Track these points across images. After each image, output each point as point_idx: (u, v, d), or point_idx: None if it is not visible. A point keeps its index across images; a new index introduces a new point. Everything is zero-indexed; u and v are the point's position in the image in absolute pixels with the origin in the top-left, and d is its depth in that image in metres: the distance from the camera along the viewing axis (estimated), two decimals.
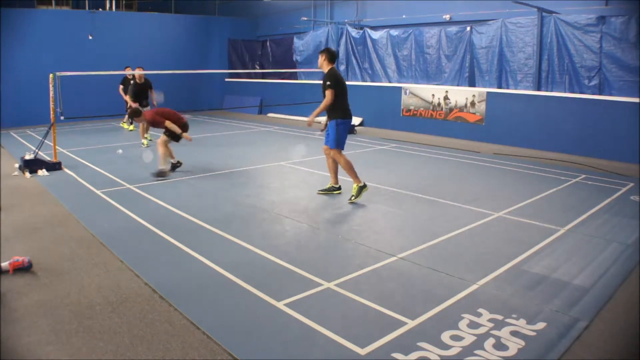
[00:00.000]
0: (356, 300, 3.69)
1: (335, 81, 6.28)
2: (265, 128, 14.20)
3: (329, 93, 6.27)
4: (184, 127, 8.06)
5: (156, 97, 10.71)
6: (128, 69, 11.71)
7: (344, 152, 6.51)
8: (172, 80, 14.93)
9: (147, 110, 8.10)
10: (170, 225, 5.43)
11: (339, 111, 6.38)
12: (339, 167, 6.61)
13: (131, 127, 12.54)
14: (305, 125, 6.52)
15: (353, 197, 6.40)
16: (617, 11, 10.01)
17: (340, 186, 6.78)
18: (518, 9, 11.36)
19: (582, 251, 4.77)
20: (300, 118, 16.01)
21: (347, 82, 16.38)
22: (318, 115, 6.46)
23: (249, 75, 19.23)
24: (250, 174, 8.11)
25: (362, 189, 6.41)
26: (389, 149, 10.70)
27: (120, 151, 9.43)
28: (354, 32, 15.30)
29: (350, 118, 6.56)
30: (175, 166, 8.20)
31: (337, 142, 6.42)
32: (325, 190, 6.79)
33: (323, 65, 6.46)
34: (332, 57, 6.46)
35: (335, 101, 6.28)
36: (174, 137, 7.93)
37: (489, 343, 3.14)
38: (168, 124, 7.78)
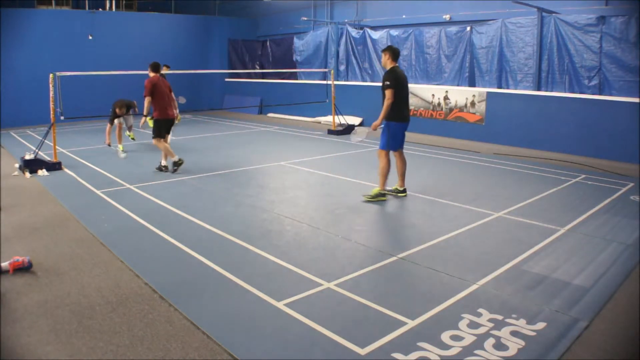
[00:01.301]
0: (356, 300, 3.69)
1: (395, 81, 6.17)
2: (265, 128, 14.19)
3: (388, 93, 6.14)
4: (169, 123, 8.00)
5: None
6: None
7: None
8: (172, 80, 14.84)
9: (159, 79, 8.01)
10: (170, 225, 5.43)
11: (394, 112, 6.25)
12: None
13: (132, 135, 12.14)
14: (371, 129, 6.39)
15: (368, 197, 6.40)
16: (617, 11, 10.01)
17: (405, 189, 6.61)
18: (518, 9, 11.35)
19: (582, 251, 4.77)
20: (300, 118, 16.01)
21: (347, 82, 16.29)
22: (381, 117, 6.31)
23: (249, 75, 19.23)
24: (250, 174, 8.11)
25: (381, 195, 6.40)
26: None
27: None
28: (354, 32, 15.30)
29: (407, 121, 6.40)
30: (160, 169, 8.20)
31: (386, 144, 6.33)
32: (392, 191, 6.62)
33: (387, 63, 6.37)
34: (395, 55, 6.36)
35: (394, 101, 6.18)
36: (159, 133, 7.92)
37: (489, 343, 3.14)
38: (147, 101, 7.78)
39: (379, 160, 6.44)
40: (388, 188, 6.65)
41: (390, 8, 14.88)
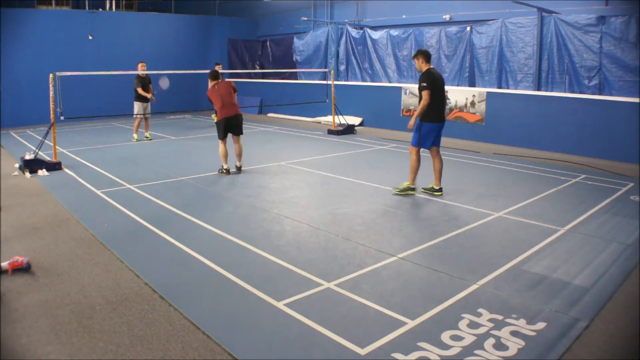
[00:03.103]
0: (356, 300, 3.69)
1: (431, 82, 6.29)
2: (265, 128, 14.19)
3: (425, 94, 6.28)
4: (232, 121, 8.22)
5: (161, 83, 11.32)
6: (141, 64, 11.53)
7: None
8: (172, 80, 14.94)
9: (221, 82, 8.64)
10: (171, 225, 5.43)
11: (428, 112, 6.38)
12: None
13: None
14: (408, 128, 6.60)
15: (397, 190, 6.64)
16: (617, 11, 10.01)
17: (441, 188, 6.71)
18: (518, 9, 11.35)
19: (582, 251, 4.77)
20: (300, 118, 16.01)
21: (347, 82, 16.27)
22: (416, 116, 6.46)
23: (249, 75, 19.23)
24: (250, 174, 8.11)
25: (410, 189, 6.60)
26: (389, 149, 10.70)
27: None
28: (354, 32, 15.29)
29: (441, 122, 6.53)
30: (227, 171, 8.02)
31: (417, 141, 6.53)
32: (428, 190, 6.75)
33: (422, 67, 6.48)
34: (427, 57, 6.48)
35: (430, 102, 6.30)
36: (220, 135, 8.02)
37: (489, 343, 3.14)
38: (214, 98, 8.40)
39: (410, 156, 6.64)
40: (425, 187, 6.81)
41: (390, 8, 14.88)
